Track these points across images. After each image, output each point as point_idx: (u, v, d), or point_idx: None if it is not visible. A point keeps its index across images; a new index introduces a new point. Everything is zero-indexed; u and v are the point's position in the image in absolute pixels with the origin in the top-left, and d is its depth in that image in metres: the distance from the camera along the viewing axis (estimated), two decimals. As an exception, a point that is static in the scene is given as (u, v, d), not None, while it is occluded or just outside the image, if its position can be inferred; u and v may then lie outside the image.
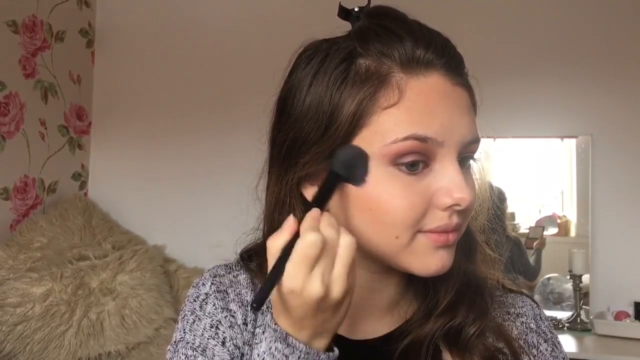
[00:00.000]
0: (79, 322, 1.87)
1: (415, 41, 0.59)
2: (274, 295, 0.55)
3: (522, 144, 2.37)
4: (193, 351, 0.66)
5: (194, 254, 2.43)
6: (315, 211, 0.54)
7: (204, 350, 0.66)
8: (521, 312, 0.72)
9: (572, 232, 2.34)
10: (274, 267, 0.53)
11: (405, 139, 0.57)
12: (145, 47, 2.62)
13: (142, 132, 2.60)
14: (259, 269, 0.72)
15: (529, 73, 2.30)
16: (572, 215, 2.34)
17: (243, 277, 0.71)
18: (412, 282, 0.69)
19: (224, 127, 2.50)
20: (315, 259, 0.52)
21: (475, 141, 0.61)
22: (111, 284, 1.99)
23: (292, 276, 0.52)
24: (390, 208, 0.58)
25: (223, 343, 0.67)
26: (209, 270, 0.73)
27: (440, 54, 0.59)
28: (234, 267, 0.73)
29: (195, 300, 0.70)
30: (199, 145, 2.54)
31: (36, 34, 2.32)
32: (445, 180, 0.58)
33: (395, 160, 0.57)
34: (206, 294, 0.70)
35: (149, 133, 2.59)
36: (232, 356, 0.66)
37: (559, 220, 2.36)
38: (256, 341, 0.67)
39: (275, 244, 0.53)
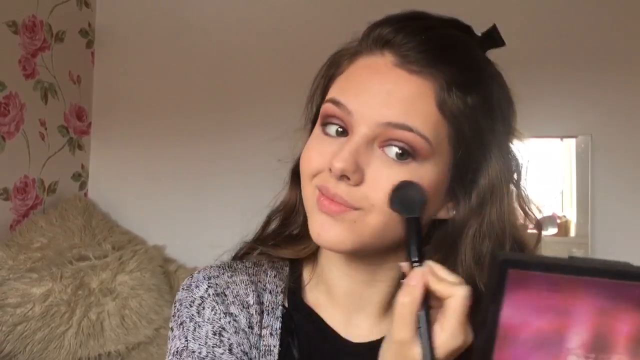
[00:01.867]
0: (79, 323, 1.87)
1: (389, 25, 0.62)
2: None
3: (522, 144, 2.37)
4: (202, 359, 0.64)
5: (194, 254, 2.43)
6: (435, 266, 0.53)
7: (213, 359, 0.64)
8: None
9: (572, 232, 2.33)
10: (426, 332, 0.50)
11: (327, 100, 0.62)
12: (145, 47, 2.62)
13: (142, 132, 2.60)
14: (257, 266, 0.71)
15: (527, 73, 2.29)
16: (571, 215, 2.34)
17: (240, 278, 0.69)
18: None
19: (225, 127, 2.50)
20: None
21: (398, 127, 0.58)
22: (111, 284, 1.99)
23: (457, 335, 0.50)
24: (306, 161, 0.63)
25: (230, 350, 0.64)
26: (199, 272, 0.70)
27: (401, 37, 0.60)
28: (226, 267, 0.71)
29: (191, 306, 0.67)
30: (200, 145, 2.53)
31: (36, 35, 2.32)
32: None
33: (322, 121, 0.62)
34: (201, 297, 0.67)
35: (149, 133, 2.59)
36: None
37: (558, 220, 2.36)
38: None
39: (410, 304, 0.51)
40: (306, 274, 0.73)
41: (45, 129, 2.38)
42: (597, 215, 2.23)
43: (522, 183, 0.69)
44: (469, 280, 0.60)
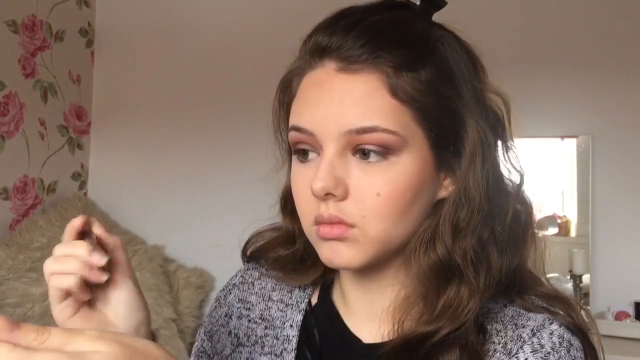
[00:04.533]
0: (78, 322, 1.86)
1: (320, 32, 0.60)
2: None
3: (522, 144, 2.37)
4: (205, 335, 0.74)
5: (194, 254, 2.43)
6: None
7: (211, 336, 0.73)
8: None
9: (573, 232, 2.33)
10: None
11: (290, 129, 0.61)
12: (145, 46, 2.61)
13: (142, 132, 2.59)
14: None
15: (528, 72, 2.29)
16: (572, 215, 2.34)
17: (275, 273, 0.73)
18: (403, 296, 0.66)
19: (224, 126, 2.50)
20: None
21: (366, 130, 0.56)
22: (111, 284, 1.99)
23: None
24: (295, 196, 0.62)
25: (229, 332, 0.72)
26: (246, 264, 0.77)
27: (334, 40, 0.58)
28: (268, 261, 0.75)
29: (223, 290, 0.76)
30: (199, 145, 2.53)
31: (36, 34, 2.32)
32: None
33: (294, 149, 0.61)
34: (233, 284, 0.76)
35: (148, 133, 2.59)
36: (232, 344, 0.71)
37: (559, 220, 2.36)
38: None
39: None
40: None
41: (45, 128, 2.38)
42: (597, 215, 2.23)
43: (508, 137, 0.69)
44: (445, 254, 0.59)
